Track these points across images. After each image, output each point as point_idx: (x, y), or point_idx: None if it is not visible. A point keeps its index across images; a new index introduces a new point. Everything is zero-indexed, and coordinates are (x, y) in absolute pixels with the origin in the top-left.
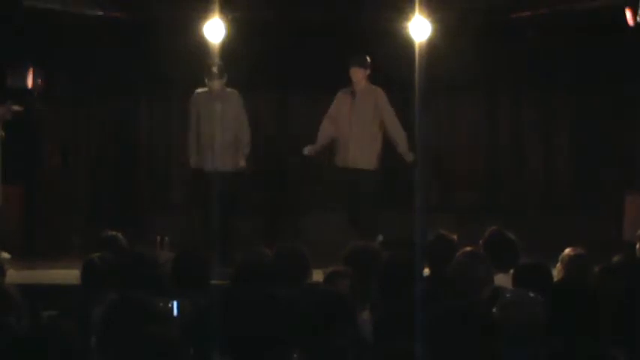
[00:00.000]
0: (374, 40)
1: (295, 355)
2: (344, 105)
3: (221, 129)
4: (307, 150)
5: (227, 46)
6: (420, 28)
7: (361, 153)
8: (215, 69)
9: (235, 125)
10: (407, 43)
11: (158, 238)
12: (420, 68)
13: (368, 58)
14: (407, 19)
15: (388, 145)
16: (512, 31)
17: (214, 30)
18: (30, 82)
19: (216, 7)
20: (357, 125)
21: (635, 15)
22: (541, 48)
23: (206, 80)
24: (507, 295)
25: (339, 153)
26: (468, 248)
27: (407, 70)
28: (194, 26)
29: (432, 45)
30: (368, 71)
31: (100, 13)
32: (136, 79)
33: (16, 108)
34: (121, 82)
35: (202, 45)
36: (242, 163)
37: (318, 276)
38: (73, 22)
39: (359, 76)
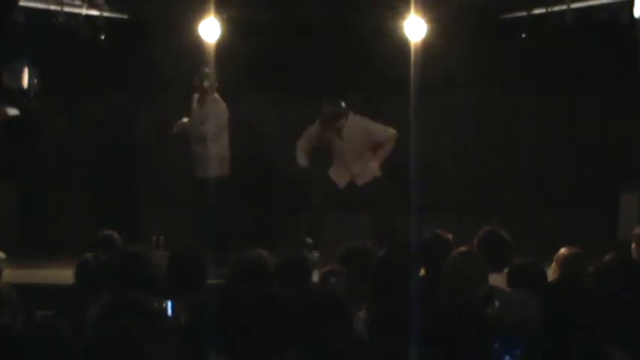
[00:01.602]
0: (369, 39)
1: (291, 355)
2: (331, 138)
3: (205, 137)
4: (301, 163)
5: (222, 45)
6: (415, 28)
7: (362, 172)
8: (206, 83)
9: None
10: (402, 43)
11: (154, 237)
12: (416, 67)
13: (341, 103)
14: (402, 18)
15: None
16: (507, 30)
17: (210, 29)
18: (26, 82)
19: (212, 6)
20: (355, 155)
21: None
22: (536, 47)
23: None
24: (502, 295)
25: (341, 175)
26: (463, 248)
27: (402, 70)
28: (189, 25)
29: (427, 44)
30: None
31: (96, 12)
32: (132, 78)
33: (13, 112)
34: (116, 81)
35: (198, 44)
36: (225, 170)
37: (313, 275)
38: (68, 21)
39: (341, 124)
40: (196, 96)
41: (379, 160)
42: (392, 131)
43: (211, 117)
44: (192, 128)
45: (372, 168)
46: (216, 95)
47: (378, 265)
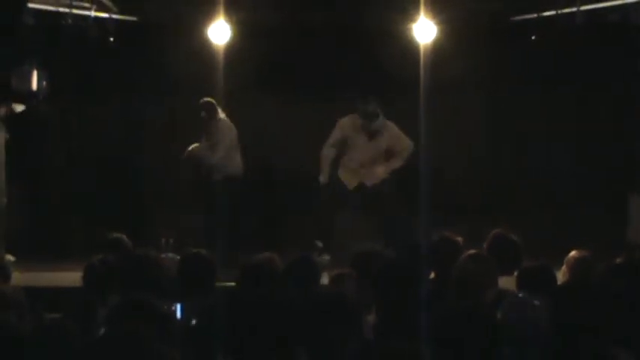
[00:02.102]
0: (379, 41)
1: (299, 357)
2: (358, 138)
3: (216, 165)
4: (322, 179)
5: (232, 47)
6: (424, 30)
7: (370, 174)
8: (203, 113)
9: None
10: (412, 45)
11: (163, 239)
12: (425, 70)
13: (377, 104)
14: (412, 20)
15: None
16: (516, 32)
17: (219, 31)
18: (34, 84)
19: (221, 8)
20: (373, 158)
21: None
22: (546, 49)
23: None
24: (511, 298)
25: (350, 177)
26: (473, 250)
27: (411, 72)
28: (199, 28)
29: (436, 47)
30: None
31: (105, 14)
32: (141, 80)
33: (18, 108)
34: (125, 83)
35: (207, 46)
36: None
37: (323, 278)
38: (77, 23)
39: (377, 124)
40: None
41: (388, 169)
42: (410, 142)
43: (221, 143)
44: (202, 156)
45: (380, 171)
46: (222, 117)
47: (384, 268)
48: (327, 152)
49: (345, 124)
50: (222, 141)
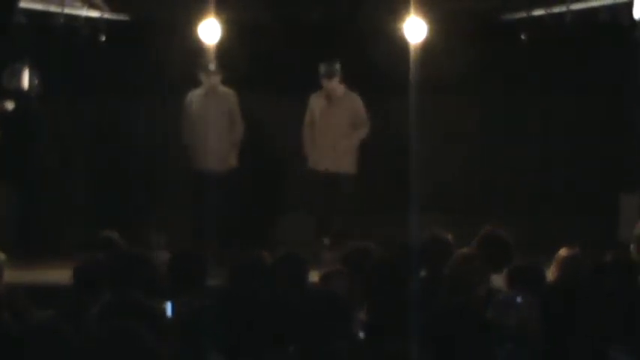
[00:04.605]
0: (369, 40)
1: (291, 354)
2: (320, 111)
3: (214, 129)
4: (309, 154)
5: (222, 46)
6: (414, 29)
7: (340, 158)
8: (212, 65)
9: (228, 124)
10: (402, 44)
11: (154, 237)
12: (415, 68)
13: (337, 66)
14: (402, 19)
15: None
16: (507, 31)
17: (209, 30)
18: (26, 83)
19: (212, 7)
20: (335, 131)
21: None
22: (536, 49)
23: (202, 77)
24: (501, 297)
25: (318, 158)
26: (465, 249)
27: (402, 71)
28: (189, 27)
29: (426, 45)
30: (339, 78)
31: (96, 13)
32: (132, 79)
33: (9, 105)
34: (117, 82)
35: (198, 45)
36: (233, 161)
37: (314, 276)
38: (68, 22)
39: (334, 85)
40: (197, 92)
41: (354, 141)
42: (367, 121)
43: (238, 113)
44: (212, 122)
45: (349, 160)
46: (225, 88)
47: (377, 266)
48: (306, 132)
49: (311, 99)
50: (237, 110)
